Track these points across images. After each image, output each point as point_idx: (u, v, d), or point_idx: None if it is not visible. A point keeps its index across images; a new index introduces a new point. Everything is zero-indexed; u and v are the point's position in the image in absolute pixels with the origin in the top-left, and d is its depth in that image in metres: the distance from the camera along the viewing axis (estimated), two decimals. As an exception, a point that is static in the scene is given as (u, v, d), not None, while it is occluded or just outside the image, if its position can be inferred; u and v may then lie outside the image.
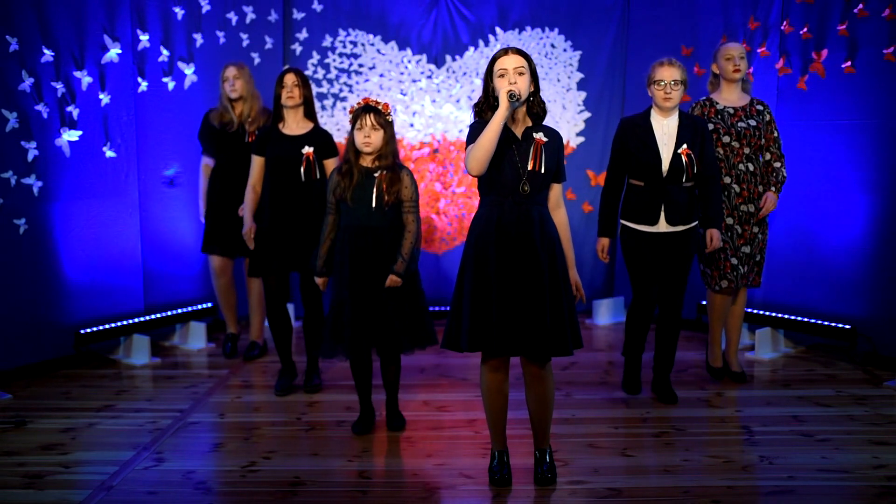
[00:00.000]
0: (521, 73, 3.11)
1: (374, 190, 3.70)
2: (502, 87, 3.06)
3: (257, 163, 4.40)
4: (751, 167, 4.40)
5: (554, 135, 3.24)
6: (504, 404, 3.32)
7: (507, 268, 3.12)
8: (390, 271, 3.71)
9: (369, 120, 3.69)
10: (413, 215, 3.76)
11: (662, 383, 4.27)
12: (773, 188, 4.42)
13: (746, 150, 4.38)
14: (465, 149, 3.17)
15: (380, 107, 3.74)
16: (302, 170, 4.28)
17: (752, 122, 4.39)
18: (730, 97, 4.44)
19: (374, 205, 3.70)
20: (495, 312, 3.10)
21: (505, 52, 3.16)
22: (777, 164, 4.43)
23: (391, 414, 3.94)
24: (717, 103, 4.41)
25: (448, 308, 3.30)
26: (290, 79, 4.33)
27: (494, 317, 3.10)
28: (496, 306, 3.10)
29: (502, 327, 3.10)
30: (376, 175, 3.72)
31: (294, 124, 4.39)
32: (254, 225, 4.42)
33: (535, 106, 3.21)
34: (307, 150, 4.29)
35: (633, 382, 4.25)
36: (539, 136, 3.19)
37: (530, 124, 3.22)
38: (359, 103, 3.77)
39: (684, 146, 4.02)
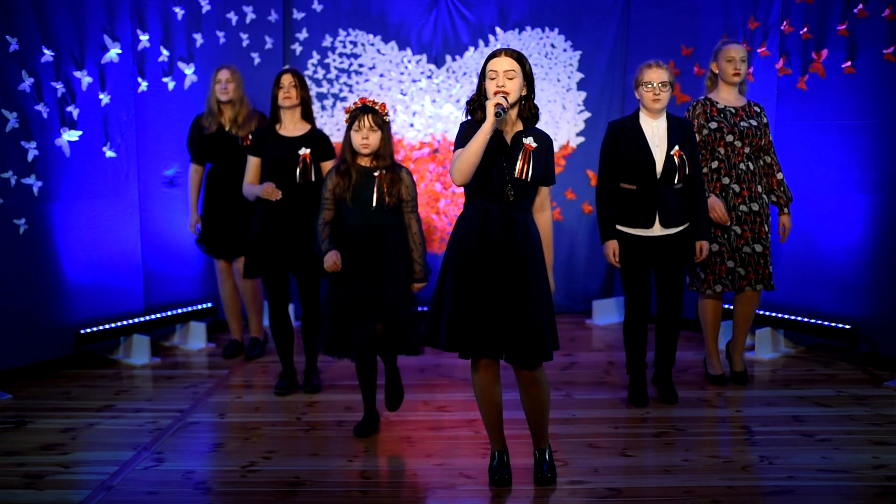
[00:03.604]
0: (510, 78, 3.07)
1: (375, 190, 3.69)
2: (490, 98, 3.03)
3: (253, 163, 4.38)
4: (751, 166, 4.39)
5: (544, 139, 3.20)
6: (497, 405, 3.30)
7: (489, 271, 3.10)
8: (413, 280, 3.74)
9: (367, 121, 3.68)
10: (415, 215, 3.77)
11: (664, 380, 4.26)
12: (785, 209, 4.46)
13: (747, 150, 4.38)
14: (453, 150, 3.15)
15: (377, 107, 3.73)
16: (298, 171, 4.27)
17: (753, 122, 4.39)
18: (728, 97, 4.44)
19: (374, 205, 3.70)
20: (470, 313, 3.08)
21: (498, 53, 3.11)
22: (780, 176, 4.45)
23: (391, 384, 3.87)
24: (717, 103, 4.41)
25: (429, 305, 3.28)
26: (287, 79, 4.32)
27: (469, 318, 3.08)
28: (471, 307, 3.08)
29: (478, 328, 3.08)
30: (376, 175, 3.71)
31: (291, 126, 4.38)
32: (270, 184, 4.24)
33: (525, 110, 3.17)
34: (304, 151, 4.28)
35: (640, 396, 4.21)
36: (528, 141, 3.15)
37: (521, 128, 3.19)
38: (355, 103, 3.76)
39: (676, 147, 4.02)
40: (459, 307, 3.11)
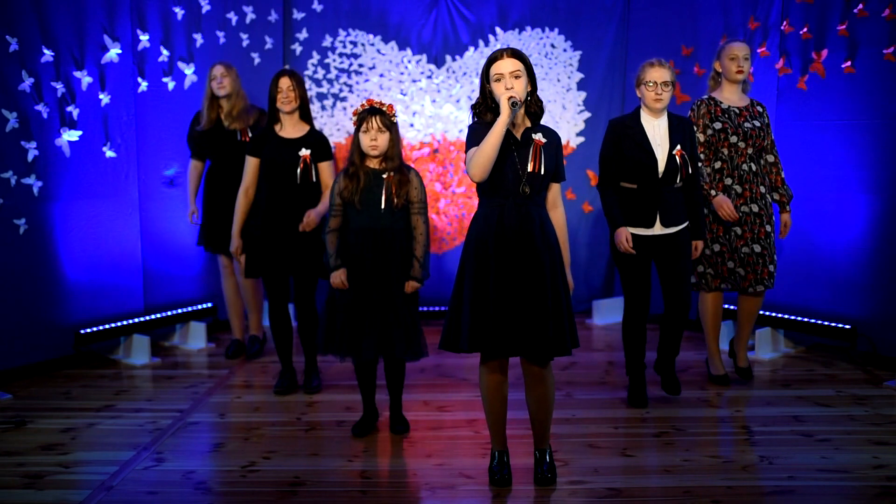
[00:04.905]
0: (517, 77, 3.10)
1: (384, 192, 3.69)
2: (502, 94, 3.06)
3: (252, 164, 4.38)
4: (753, 167, 4.38)
5: (552, 135, 3.24)
6: (503, 405, 3.31)
7: (508, 268, 3.12)
8: (409, 277, 3.72)
9: (375, 122, 3.68)
10: (422, 216, 3.76)
11: (667, 369, 4.23)
12: (787, 207, 4.44)
13: (750, 151, 4.38)
14: (465, 151, 3.17)
15: (384, 108, 3.73)
16: (298, 172, 4.27)
17: (757, 123, 4.38)
18: (731, 97, 4.43)
19: (383, 207, 3.70)
20: (494, 313, 3.10)
21: (500, 55, 3.14)
22: (782, 175, 4.45)
23: (395, 417, 3.93)
24: (720, 102, 4.40)
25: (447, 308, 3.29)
26: (285, 83, 4.30)
27: (493, 317, 3.10)
28: (495, 307, 3.10)
29: (502, 328, 3.10)
30: (385, 177, 3.71)
31: (290, 127, 4.37)
32: (240, 242, 4.45)
33: (532, 105, 3.21)
34: (304, 153, 4.28)
35: (640, 397, 4.21)
36: (538, 137, 3.19)
37: (529, 125, 3.22)
38: (363, 105, 3.76)
39: (678, 147, 4.02)
40: (481, 308, 3.12)
